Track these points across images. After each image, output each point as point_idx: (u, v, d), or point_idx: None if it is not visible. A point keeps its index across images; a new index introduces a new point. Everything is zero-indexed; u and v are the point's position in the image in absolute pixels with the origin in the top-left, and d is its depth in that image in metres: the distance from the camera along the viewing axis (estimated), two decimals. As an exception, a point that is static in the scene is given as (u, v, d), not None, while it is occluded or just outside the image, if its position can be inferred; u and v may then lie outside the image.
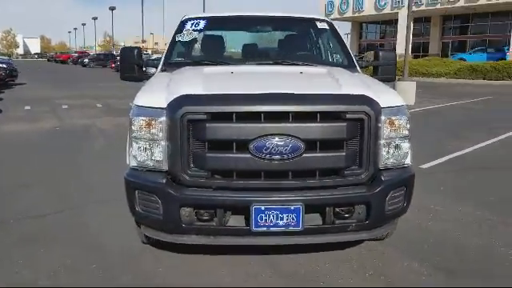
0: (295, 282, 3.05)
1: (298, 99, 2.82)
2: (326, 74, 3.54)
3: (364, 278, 3.12)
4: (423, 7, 37.03)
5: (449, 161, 6.58)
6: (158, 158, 2.91)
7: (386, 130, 2.94)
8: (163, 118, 2.86)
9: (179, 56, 4.39)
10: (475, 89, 20.70)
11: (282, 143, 2.72)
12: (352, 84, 3.26)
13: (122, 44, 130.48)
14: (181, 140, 2.78)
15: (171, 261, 3.34)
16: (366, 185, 2.91)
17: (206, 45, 4.49)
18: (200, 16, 4.50)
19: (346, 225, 2.92)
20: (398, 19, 38.78)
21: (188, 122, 2.76)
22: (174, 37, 4.37)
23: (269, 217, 2.78)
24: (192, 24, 4.40)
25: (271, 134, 2.72)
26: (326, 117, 2.79)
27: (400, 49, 37.41)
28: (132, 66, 4.24)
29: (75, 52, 79.79)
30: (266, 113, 2.75)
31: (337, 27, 4.66)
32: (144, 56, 5.34)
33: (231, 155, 2.78)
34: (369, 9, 41.20)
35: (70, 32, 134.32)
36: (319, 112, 2.78)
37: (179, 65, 3.99)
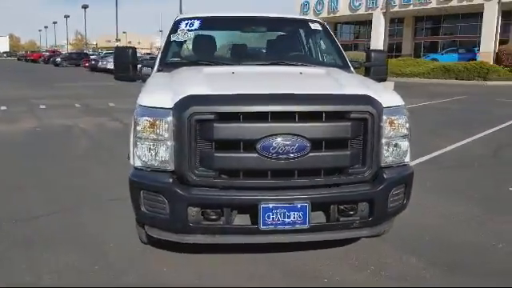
0: (301, 279, 3.10)
1: (304, 99, 2.88)
2: (326, 75, 3.61)
3: (366, 273, 3.19)
4: (397, 8, 37.67)
5: (431, 159, 6.75)
6: (164, 158, 2.92)
7: (387, 129, 3.03)
8: (169, 118, 2.87)
9: (175, 56, 4.38)
10: (448, 89, 21.21)
11: (288, 143, 2.77)
12: (353, 84, 3.33)
13: (94, 43, 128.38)
14: (188, 140, 2.79)
15: (176, 260, 3.35)
16: (370, 183, 2.99)
17: (202, 45, 4.49)
18: (194, 16, 4.50)
19: (350, 222, 2.99)
20: (372, 20, 39.40)
21: (195, 122, 2.78)
22: (168, 37, 4.36)
23: (276, 215, 2.83)
24: (186, 24, 4.40)
25: (278, 134, 2.76)
26: (332, 116, 2.85)
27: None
28: (127, 65, 4.22)
29: (46, 51, 78.07)
30: (272, 113, 2.79)
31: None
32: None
33: (239, 155, 2.81)
34: (343, 9, 41.67)
35: (40, 30, 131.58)
36: (325, 112, 2.84)
37: (176, 65, 4.00)
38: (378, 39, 38.62)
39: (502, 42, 32.03)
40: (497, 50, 30.61)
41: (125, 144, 7.82)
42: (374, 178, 3.00)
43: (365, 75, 4.24)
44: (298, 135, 2.78)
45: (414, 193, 3.29)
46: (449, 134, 8.71)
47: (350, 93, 3.05)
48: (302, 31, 4.89)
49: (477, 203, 4.69)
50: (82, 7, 61.19)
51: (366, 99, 2.96)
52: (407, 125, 3.16)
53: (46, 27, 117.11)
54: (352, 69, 4.28)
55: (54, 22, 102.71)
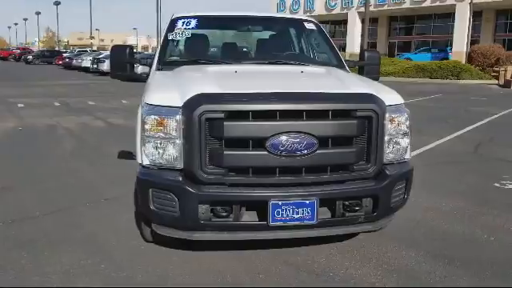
0: (306, 274, 3.16)
1: (313, 98, 2.96)
2: (327, 74, 3.69)
3: (369, 266, 3.28)
4: (372, 8, 38.12)
5: (416, 156, 6.91)
6: (173, 156, 2.95)
7: (389, 127, 3.12)
8: (179, 117, 2.89)
9: (173, 55, 4.40)
10: (424, 87, 21.69)
11: (297, 140, 2.83)
12: (356, 83, 3.42)
13: (66, 40, 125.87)
14: (198, 138, 2.82)
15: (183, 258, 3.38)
16: (374, 179, 3.08)
17: (200, 44, 4.51)
18: (190, 15, 4.52)
19: (355, 217, 3.08)
20: (347, 19, 39.88)
21: (205, 120, 2.81)
22: (166, 35, 4.37)
23: (285, 211, 2.89)
24: (183, 23, 4.42)
25: (287, 132, 2.82)
26: (338, 114, 2.93)
27: (349, 48, 38.69)
28: (123, 64, 4.21)
29: (17, 48, 76.13)
30: (281, 111, 2.85)
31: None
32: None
33: (249, 152, 2.86)
34: (320, 9, 42.03)
35: (10, 27, 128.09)
36: (332, 110, 2.91)
37: (176, 64, 4.01)
38: (354, 39, 39.25)
39: (472, 42, 32.92)
40: (469, 50, 31.40)
41: (112, 143, 7.88)
42: (377, 175, 3.10)
43: (358, 74, 4.34)
44: (306, 133, 2.84)
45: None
46: (430, 132, 8.93)
47: (354, 91, 3.14)
48: (297, 30, 4.97)
49: (466, 198, 4.86)
50: (54, 4, 59.87)
51: (371, 98, 3.05)
52: (407, 122, 3.27)
53: (15, 24, 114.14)
54: (347, 68, 4.37)
55: (25, 19, 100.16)
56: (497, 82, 25.26)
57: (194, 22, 4.42)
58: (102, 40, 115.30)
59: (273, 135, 2.81)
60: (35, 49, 71.39)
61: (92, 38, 51.41)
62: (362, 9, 39.01)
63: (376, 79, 4.51)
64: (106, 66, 29.19)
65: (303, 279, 3.10)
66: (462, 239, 3.81)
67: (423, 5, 36.34)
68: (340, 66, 4.31)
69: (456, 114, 11.98)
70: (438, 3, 35.48)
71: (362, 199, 3.08)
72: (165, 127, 2.93)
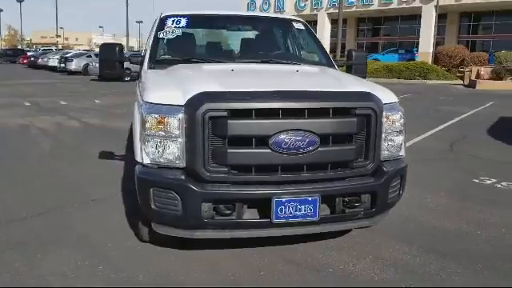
0: (307, 270, 3.20)
1: (314, 96, 3.00)
2: (322, 73, 3.75)
3: (366, 262, 3.35)
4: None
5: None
6: (175, 155, 2.93)
7: (386, 125, 3.20)
8: (181, 115, 2.88)
9: (165, 53, 4.36)
10: (393, 87, 21.44)
11: (299, 138, 2.87)
12: (352, 82, 3.49)
13: (28, 39, 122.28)
14: (202, 136, 2.82)
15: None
16: (372, 176, 3.15)
17: (191, 42, 4.49)
18: (179, 13, 4.49)
19: (355, 213, 3.14)
20: (317, 20, 40.31)
21: (209, 118, 2.81)
22: (156, 34, 4.33)
23: (288, 208, 2.92)
24: (173, 21, 4.39)
25: (290, 130, 2.85)
26: (338, 112, 2.98)
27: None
28: (113, 62, 4.15)
29: (-23, 46, 73.43)
30: (284, 109, 2.88)
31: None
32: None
33: (252, 150, 2.87)
34: (290, 9, 42.34)
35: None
36: (333, 108, 2.96)
37: (168, 62, 3.98)
38: (323, 39, 39.61)
39: (437, 43, 33.89)
40: (435, 51, 32.29)
41: (90, 143, 7.75)
42: (375, 172, 3.17)
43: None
44: (308, 131, 2.88)
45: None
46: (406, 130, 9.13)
47: (353, 90, 3.20)
48: (287, 30, 5.01)
49: (449, 194, 5.02)
50: (18, 1, 58.05)
51: (369, 96, 3.11)
52: (402, 120, 3.36)
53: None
54: (336, 67, 4.45)
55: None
56: (462, 82, 26.06)
57: (183, 21, 4.40)
58: (67, 39, 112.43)
59: (276, 133, 2.83)
60: (-3, 47, 68.94)
61: (58, 36, 50.14)
62: (332, 10, 39.72)
63: (363, 78, 4.60)
64: (73, 65, 28.62)
65: (304, 275, 3.14)
66: (451, 234, 3.93)
67: (390, 7, 37.17)
68: (330, 65, 4.38)
69: (428, 113, 12.30)
70: (404, 5, 36.36)
71: (362, 195, 3.14)
72: (166, 126, 2.91)
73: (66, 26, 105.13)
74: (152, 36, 4.35)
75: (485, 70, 25.17)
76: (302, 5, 41.62)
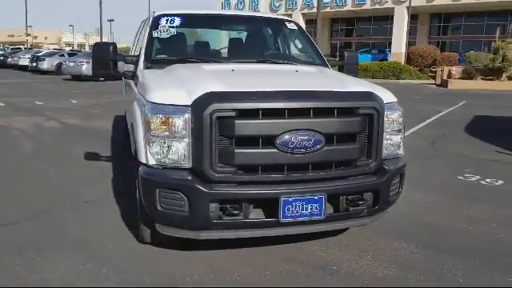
0: (311, 268, 3.23)
1: (319, 96, 3.03)
2: (321, 73, 3.78)
3: (367, 259, 3.40)
4: (314, 10, 39.07)
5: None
6: (181, 156, 2.92)
7: (386, 124, 3.26)
8: (187, 115, 2.87)
9: (160, 53, 4.32)
10: (369, 87, 22.40)
11: (305, 137, 2.89)
12: (352, 82, 3.54)
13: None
14: (209, 137, 2.81)
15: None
16: (374, 174, 3.21)
17: (186, 42, 4.46)
18: (173, 13, 4.46)
19: (359, 211, 3.18)
20: (291, 20, 40.48)
21: (216, 118, 2.80)
22: (150, 33, 4.28)
23: (295, 207, 2.94)
24: (167, 20, 4.35)
25: (296, 129, 2.87)
26: (343, 112, 3.02)
27: (294, 48, 39.37)
28: (107, 62, 4.07)
29: None
30: (290, 109, 2.89)
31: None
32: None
33: (259, 150, 2.88)
34: (264, 9, 42.48)
35: None
36: (337, 108, 3.00)
37: (165, 62, 3.95)
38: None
39: (409, 44, 34.58)
40: (408, 51, 32.94)
41: (72, 144, 7.62)
42: (377, 170, 3.22)
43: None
44: (313, 130, 2.91)
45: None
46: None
47: (356, 90, 3.25)
48: (281, 30, 5.03)
49: (437, 191, 5.14)
50: (-17, -2, 56.15)
51: (372, 96, 3.17)
52: (400, 119, 3.43)
53: None
54: (330, 67, 4.49)
55: None
56: (434, 81, 26.68)
57: (177, 20, 4.36)
58: (36, 37, 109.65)
59: (282, 133, 2.85)
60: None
61: (28, 35, 48.86)
62: (306, 10, 40.03)
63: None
64: (46, 65, 27.96)
65: (309, 273, 3.16)
66: (444, 230, 4.02)
67: (363, 7, 37.74)
68: (324, 65, 4.43)
69: (405, 112, 12.48)
70: (377, 6, 36.97)
71: (366, 194, 3.19)
72: (172, 126, 2.90)
73: (35, 25, 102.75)
74: (146, 35, 4.29)
75: (456, 70, 25.85)
76: (277, 5, 41.83)
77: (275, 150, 2.87)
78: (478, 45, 34.54)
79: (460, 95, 18.45)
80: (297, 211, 2.95)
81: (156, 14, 4.48)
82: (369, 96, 3.16)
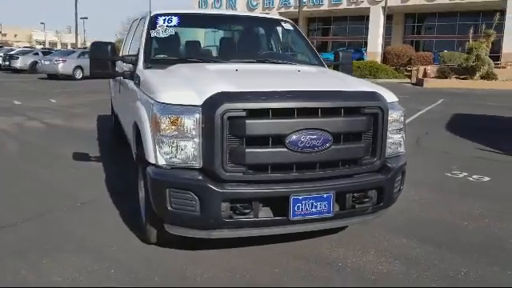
0: (318, 265, 3.28)
1: (327, 96, 3.09)
2: (322, 73, 3.84)
3: (371, 255, 3.47)
4: (292, 9, 39.38)
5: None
6: (192, 155, 2.93)
7: (389, 123, 3.34)
8: (198, 115, 2.88)
9: (160, 53, 4.30)
10: (347, 86, 22.66)
11: (314, 137, 2.94)
12: (356, 82, 3.61)
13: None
14: (220, 137, 2.83)
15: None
16: (379, 172, 3.28)
17: (186, 42, 4.45)
18: (171, 12, 4.44)
19: (364, 208, 3.25)
20: (269, 19, 40.60)
21: (227, 118, 2.82)
22: (148, 33, 4.25)
23: (305, 206, 2.99)
24: (164, 20, 4.33)
25: (305, 129, 2.92)
26: (349, 111, 3.08)
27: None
28: (105, 61, 4.04)
29: None
30: (300, 108, 2.94)
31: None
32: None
33: (269, 150, 2.92)
34: (241, 8, 42.46)
35: None
36: (344, 107, 3.06)
37: (166, 62, 3.94)
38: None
39: (385, 44, 35.13)
40: (384, 51, 33.46)
41: (59, 144, 7.52)
42: (381, 168, 3.30)
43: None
44: (322, 129, 2.96)
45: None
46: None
47: (361, 90, 3.32)
48: (278, 30, 5.07)
49: (429, 188, 5.27)
50: (-49, -5, 54.50)
51: (377, 95, 3.24)
52: (402, 119, 3.51)
53: None
54: (326, 66, 4.56)
55: None
56: (410, 80, 27.17)
57: (175, 20, 4.35)
58: (5, 35, 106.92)
59: (292, 132, 2.89)
60: None
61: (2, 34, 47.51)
62: (283, 9, 40.21)
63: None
64: (19, 63, 27.35)
65: (317, 270, 3.21)
66: (441, 225, 4.14)
67: (339, 7, 38.14)
68: (322, 65, 4.49)
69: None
70: (353, 6, 37.42)
71: (371, 191, 3.27)
72: (183, 126, 2.90)
73: (4, 22, 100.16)
74: (144, 35, 4.26)
75: (431, 69, 26.40)
76: (254, 3, 41.89)
77: (285, 149, 2.91)
78: (450, 44, 35.32)
79: (436, 94, 18.86)
80: (306, 209, 2.99)
81: (153, 14, 4.45)
82: (374, 96, 3.23)
